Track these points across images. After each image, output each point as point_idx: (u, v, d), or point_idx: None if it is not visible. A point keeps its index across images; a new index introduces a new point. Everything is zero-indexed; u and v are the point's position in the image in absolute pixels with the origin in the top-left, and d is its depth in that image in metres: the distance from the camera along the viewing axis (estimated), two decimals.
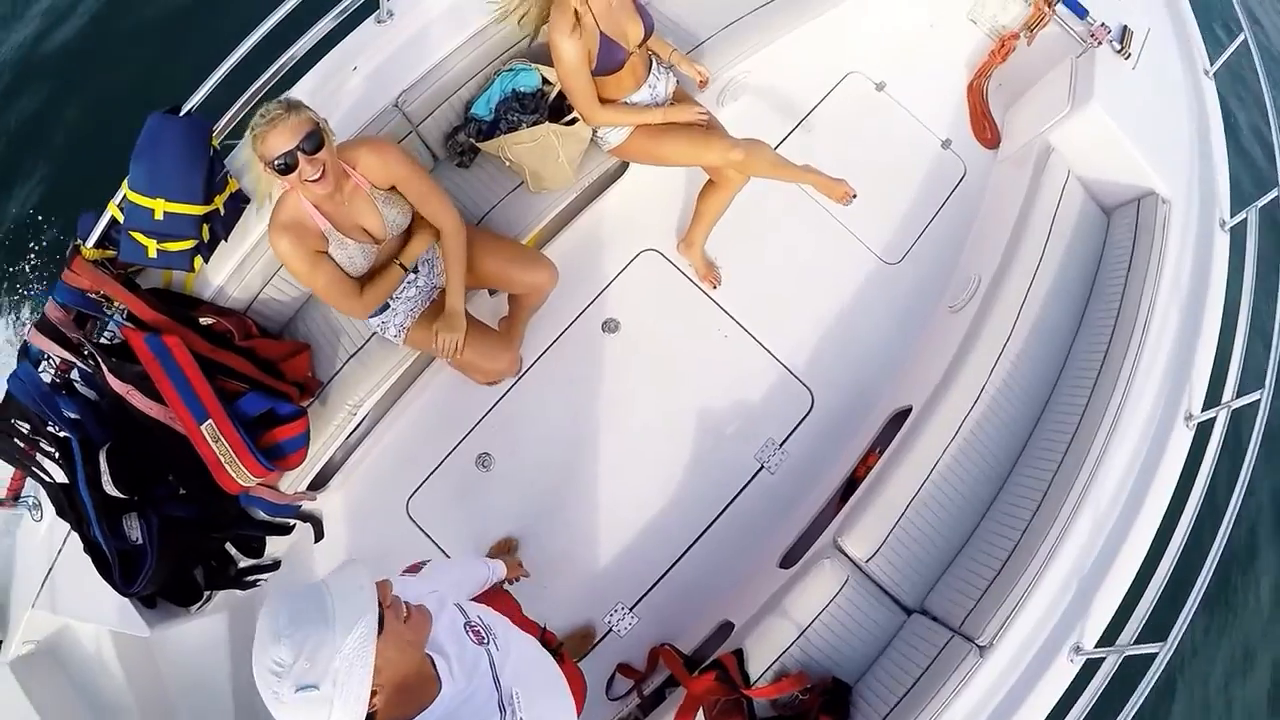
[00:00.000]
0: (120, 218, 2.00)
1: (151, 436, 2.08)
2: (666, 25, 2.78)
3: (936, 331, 2.84)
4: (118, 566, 1.99)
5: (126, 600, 2.04)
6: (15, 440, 2.03)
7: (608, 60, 2.24)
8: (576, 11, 2.10)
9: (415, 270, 2.17)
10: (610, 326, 2.86)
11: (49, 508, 2.07)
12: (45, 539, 2.10)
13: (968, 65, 3.32)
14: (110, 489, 1.99)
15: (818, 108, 3.25)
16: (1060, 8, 2.93)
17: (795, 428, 2.79)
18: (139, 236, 2.01)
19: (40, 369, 2.06)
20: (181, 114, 2.01)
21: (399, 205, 2.05)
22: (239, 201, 2.18)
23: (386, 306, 2.18)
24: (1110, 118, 2.68)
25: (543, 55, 2.49)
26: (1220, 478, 2.22)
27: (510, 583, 1.83)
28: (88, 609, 2.06)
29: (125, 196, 1.97)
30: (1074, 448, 2.27)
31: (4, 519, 2.21)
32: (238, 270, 2.25)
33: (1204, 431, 2.32)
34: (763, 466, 2.74)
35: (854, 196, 2.49)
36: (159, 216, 1.98)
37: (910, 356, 2.86)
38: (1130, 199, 2.80)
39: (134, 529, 2.06)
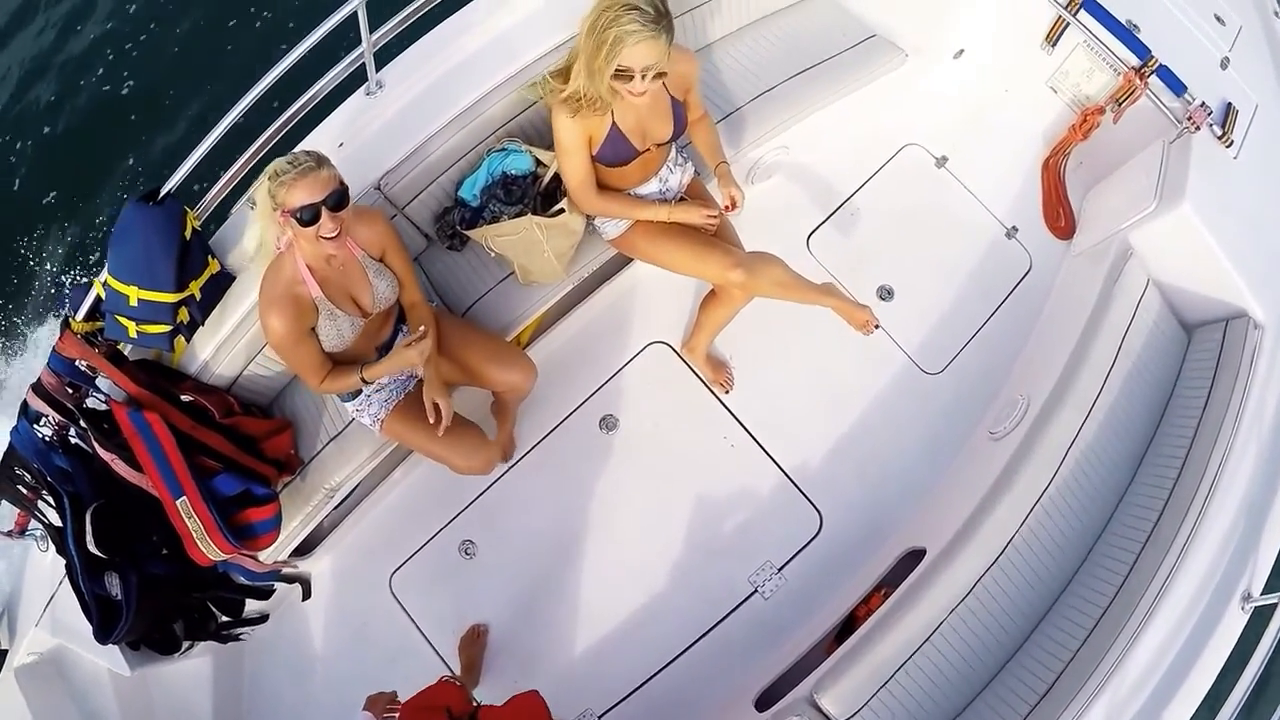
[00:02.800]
0: (104, 296, 2.03)
1: (136, 498, 2.14)
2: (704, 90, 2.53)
3: (971, 461, 2.51)
4: (96, 617, 2.07)
5: None
6: (19, 487, 2.16)
7: (611, 153, 2.06)
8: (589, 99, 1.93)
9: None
10: (608, 424, 2.69)
11: (52, 544, 2.20)
12: (50, 567, 2.23)
13: (1045, 140, 2.86)
14: (93, 548, 2.07)
15: (866, 184, 2.90)
16: (1154, 80, 2.45)
17: (797, 553, 2.55)
18: (119, 318, 2.04)
19: (41, 423, 2.15)
20: (161, 196, 1.99)
21: (388, 279, 2.03)
22: (220, 283, 2.18)
23: (360, 392, 2.16)
24: (1203, 224, 2.25)
25: (539, 135, 2.36)
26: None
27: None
28: (79, 640, 2.18)
29: (106, 280, 1.98)
30: (1106, 622, 1.95)
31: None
32: (222, 346, 2.25)
33: (1261, 617, 1.91)
34: (756, 590, 2.53)
35: (877, 327, 2.24)
36: (134, 303, 2.01)
37: (937, 487, 2.54)
38: (1217, 318, 2.38)
39: (114, 585, 2.13)
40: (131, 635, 2.19)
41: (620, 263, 2.67)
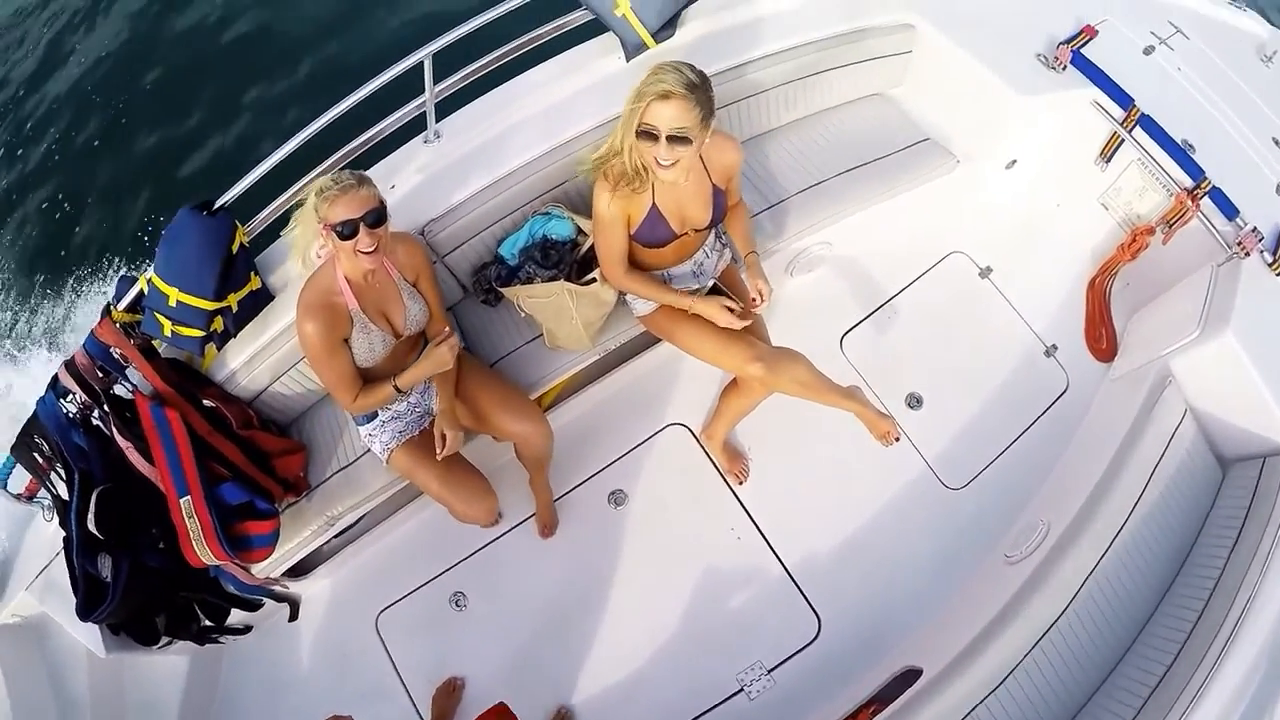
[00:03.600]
0: (146, 292, 2.10)
1: (144, 488, 2.18)
2: (748, 179, 2.56)
3: (982, 582, 2.38)
4: (83, 593, 2.09)
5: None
6: (35, 455, 2.21)
7: (649, 234, 2.06)
8: (629, 175, 1.93)
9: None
10: (617, 499, 2.64)
11: (56, 516, 2.24)
12: (51, 538, 2.27)
13: (1093, 258, 2.77)
14: (92, 527, 2.11)
15: (907, 289, 2.84)
16: (1206, 202, 2.38)
17: (790, 656, 2.44)
18: (158, 315, 2.10)
19: (67, 399, 2.20)
20: (215, 207, 2.07)
21: (420, 304, 2.10)
22: (258, 299, 2.26)
23: (375, 416, 2.20)
24: (1246, 354, 2.14)
25: (584, 203, 2.39)
26: None
27: None
28: (64, 613, 2.20)
29: (150, 277, 2.03)
30: None
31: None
32: (250, 361, 2.30)
33: None
34: (743, 689, 2.41)
35: (897, 439, 2.20)
36: (172, 304, 2.09)
37: (943, 606, 2.40)
38: (1255, 454, 2.24)
39: (105, 567, 2.16)
40: (113, 619, 2.20)
41: (651, 340, 2.65)
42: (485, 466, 2.37)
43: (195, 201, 2.07)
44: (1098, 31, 2.66)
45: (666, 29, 2.40)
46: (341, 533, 2.50)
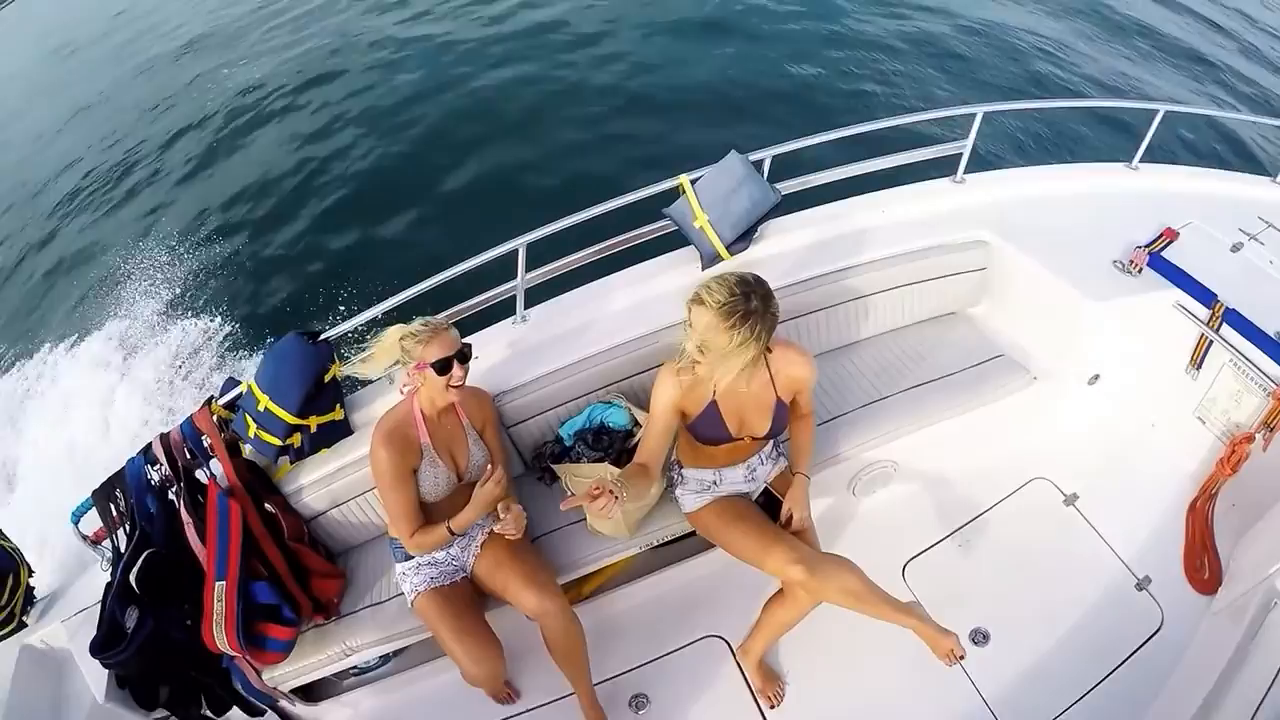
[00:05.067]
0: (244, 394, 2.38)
1: (191, 566, 2.35)
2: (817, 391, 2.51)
3: None
4: (103, 634, 2.22)
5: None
6: (111, 505, 2.44)
7: (703, 429, 2.10)
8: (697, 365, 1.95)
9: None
10: (639, 703, 2.46)
11: (111, 567, 2.44)
12: (101, 586, 2.43)
13: (1192, 479, 2.57)
14: (132, 579, 2.27)
15: (980, 516, 2.67)
16: None
17: None
18: (247, 417, 2.35)
19: (153, 467, 2.46)
20: (320, 338, 2.32)
21: (483, 451, 2.25)
22: (337, 429, 2.48)
23: (413, 556, 2.27)
24: None
25: (647, 399, 2.45)
26: None
27: None
28: (84, 654, 2.28)
29: (249, 383, 2.32)
30: None
31: None
32: (317, 482, 2.46)
33: None
34: None
35: (962, 658, 2.02)
36: (261, 409, 2.34)
37: None
38: None
39: (131, 618, 2.28)
40: (121, 670, 2.31)
41: (702, 545, 2.60)
42: (515, 648, 2.35)
43: (303, 329, 2.36)
44: (1179, 234, 2.60)
45: (741, 242, 2.60)
46: (361, 673, 2.53)
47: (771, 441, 2.27)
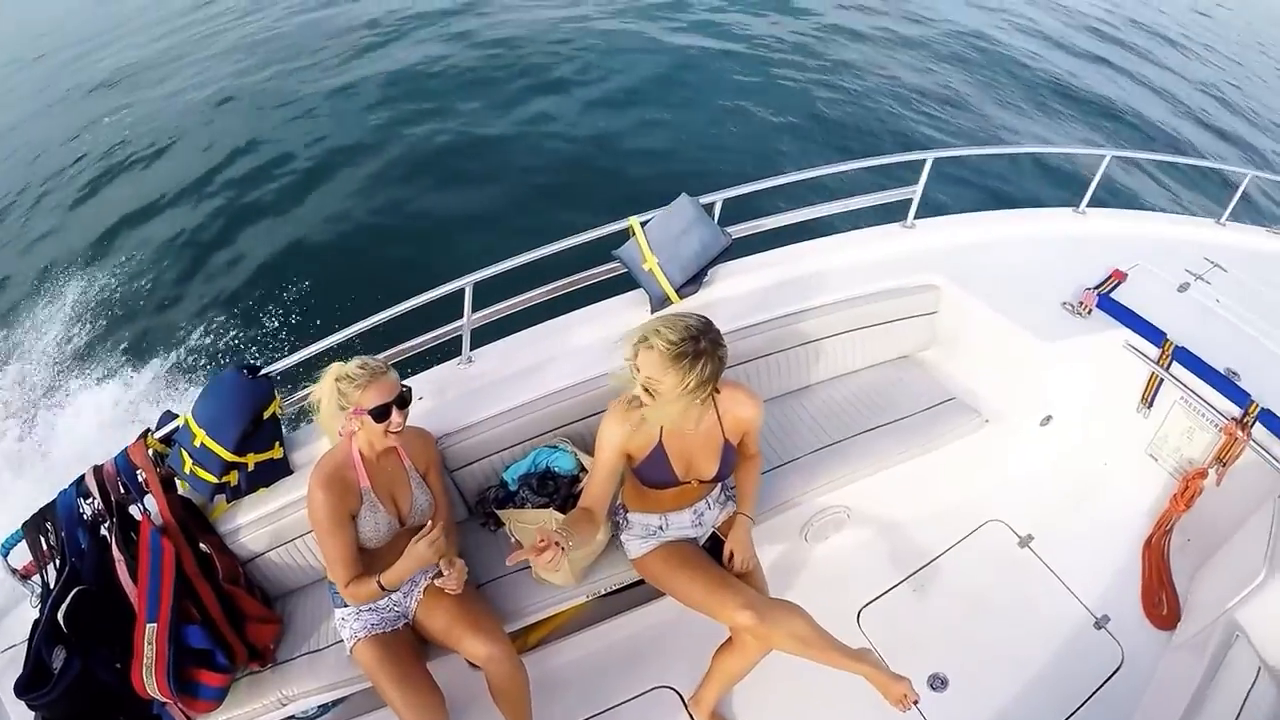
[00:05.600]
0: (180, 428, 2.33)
1: (121, 605, 2.28)
2: (764, 437, 2.46)
3: None
4: (27, 673, 2.14)
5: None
6: (41, 538, 2.37)
7: (649, 472, 2.07)
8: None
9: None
10: None
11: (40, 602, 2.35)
12: (29, 621, 2.35)
13: (1147, 515, 2.63)
14: (60, 618, 2.18)
15: (935, 561, 2.67)
16: (1258, 429, 2.23)
17: None
18: (183, 452, 2.31)
19: (85, 500, 2.39)
20: (260, 373, 2.30)
21: (427, 495, 2.20)
22: (276, 469, 2.42)
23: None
24: None
25: (593, 443, 2.44)
26: None
27: None
28: (9, 692, 2.20)
29: (186, 417, 2.28)
30: None
31: None
32: (255, 522, 2.40)
33: None
34: None
35: (916, 702, 2.01)
36: (197, 444, 2.28)
37: None
38: None
39: (58, 659, 2.20)
40: (46, 711, 2.19)
41: (651, 594, 2.55)
42: (457, 698, 2.29)
43: (242, 364, 2.31)
44: (1127, 275, 2.65)
45: (690, 285, 2.61)
46: None
47: (720, 485, 2.26)
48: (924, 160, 2.90)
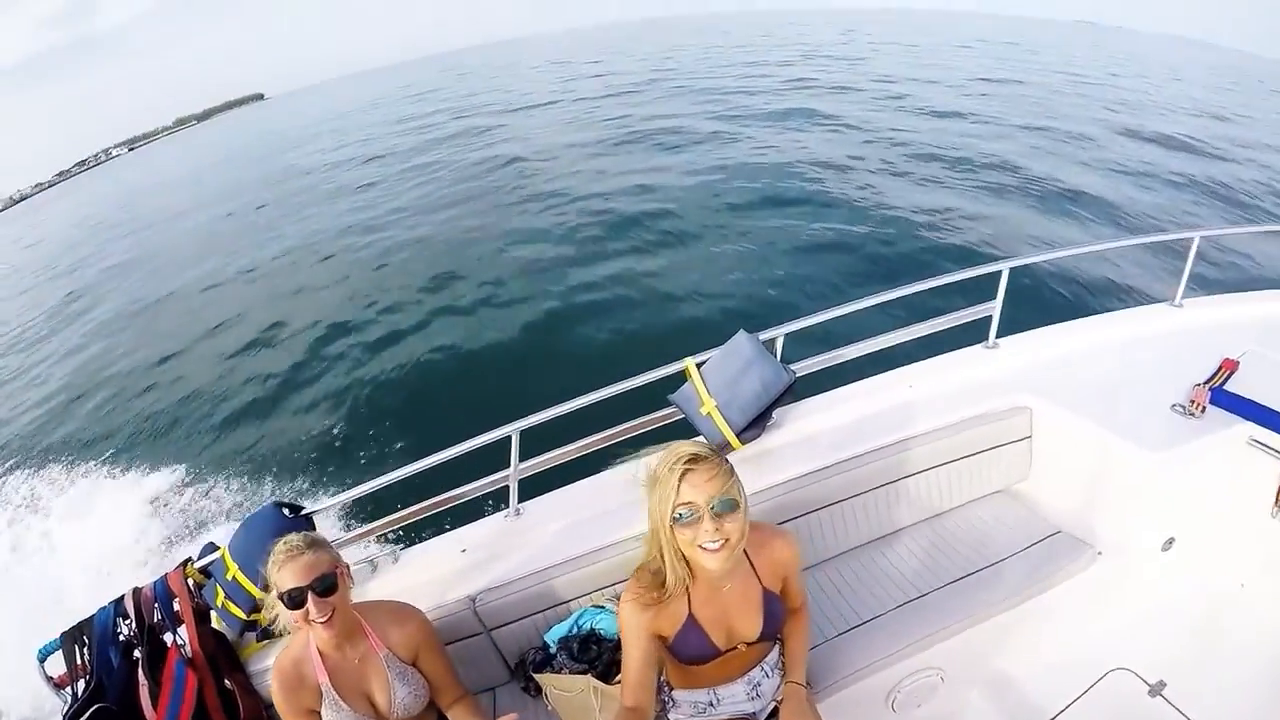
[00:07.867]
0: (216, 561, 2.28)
1: None
2: (841, 594, 2.24)
3: None
4: None
5: None
6: (77, 649, 2.33)
7: (685, 648, 1.79)
8: (665, 580, 1.67)
9: None
10: None
11: None
12: None
13: None
14: None
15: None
16: None
17: None
18: (217, 585, 2.26)
19: (122, 619, 2.37)
20: (300, 513, 2.23)
21: (415, 685, 1.92)
22: None
23: None
24: None
25: None
26: None
27: None
28: None
29: (223, 550, 2.23)
30: None
31: None
32: None
33: None
34: None
35: None
36: (229, 577, 2.24)
37: None
38: None
39: None
40: None
41: None
42: None
43: (283, 500, 2.28)
44: (1238, 363, 2.39)
45: (753, 428, 2.42)
46: None
47: (777, 647, 1.99)
48: (999, 272, 2.67)
